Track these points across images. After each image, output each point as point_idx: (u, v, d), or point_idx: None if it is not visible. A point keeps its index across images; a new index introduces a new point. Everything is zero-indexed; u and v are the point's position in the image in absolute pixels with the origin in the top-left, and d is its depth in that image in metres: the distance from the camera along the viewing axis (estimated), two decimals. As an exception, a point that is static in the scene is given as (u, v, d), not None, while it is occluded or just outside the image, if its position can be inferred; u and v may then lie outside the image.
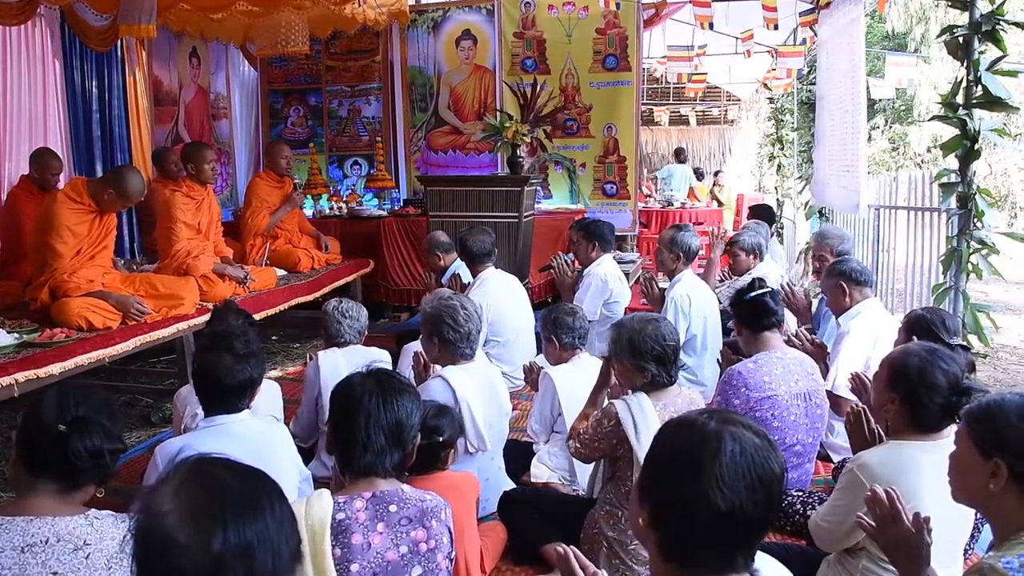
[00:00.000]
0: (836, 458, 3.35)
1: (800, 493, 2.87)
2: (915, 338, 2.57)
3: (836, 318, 3.51)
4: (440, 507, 1.82)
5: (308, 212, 6.66)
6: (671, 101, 15.67)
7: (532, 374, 3.35)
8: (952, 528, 1.97)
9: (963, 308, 3.90)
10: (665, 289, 4.28)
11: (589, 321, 3.67)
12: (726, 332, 4.12)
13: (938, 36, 4.25)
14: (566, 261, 4.83)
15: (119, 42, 5.52)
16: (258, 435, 2.31)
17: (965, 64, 3.82)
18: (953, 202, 3.98)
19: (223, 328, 3.01)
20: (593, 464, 2.72)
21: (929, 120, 4.62)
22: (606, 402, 2.60)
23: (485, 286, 4.41)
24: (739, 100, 15.41)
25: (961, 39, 3.81)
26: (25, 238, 4.21)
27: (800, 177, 8.63)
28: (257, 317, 4.21)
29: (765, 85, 10.63)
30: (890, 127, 15.28)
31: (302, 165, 7.07)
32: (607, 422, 2.35)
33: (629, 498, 2.23)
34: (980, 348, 3.95)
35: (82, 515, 1.57)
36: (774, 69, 8.72)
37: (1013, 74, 3.96)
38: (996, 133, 3.85)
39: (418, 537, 1.75)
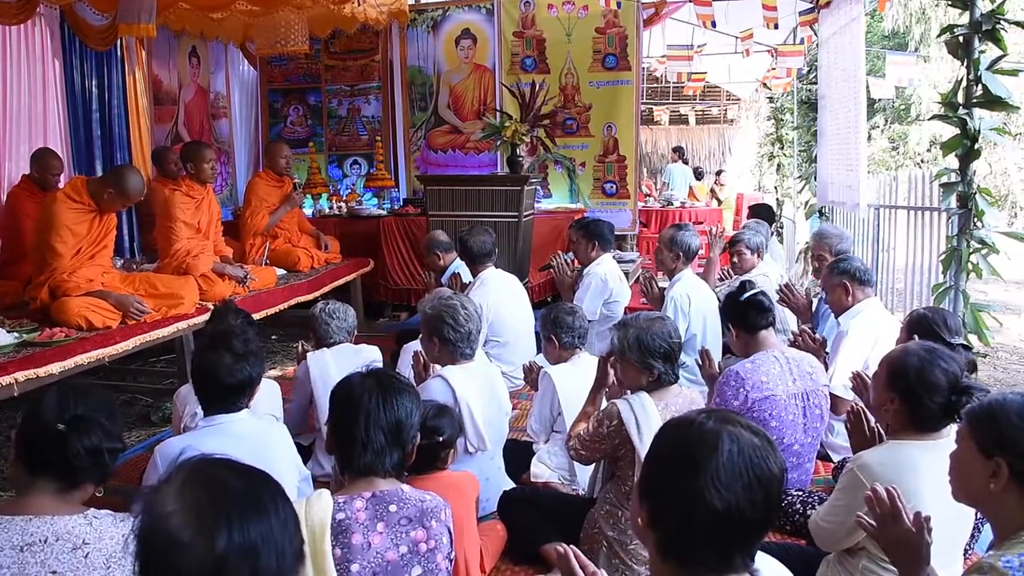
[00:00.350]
0: (836, 458, 3.35)
1: (800, 493, 2.87)
2: (917, 337, 2.57)
3: (836, 317, 3.51)
4: (440, 507, 1.82)
5: (308, 211, 6.66)
6: (671, 100, 15.67)
7: (532, 374, 3.35)
8: (952, 527, 1.97)
9: (963, 308, 3.90)
10: (665, 288, 4.28)
11: (589, 321, 3.67)
12: (725, 331, 4.11)
13: (938, 35, 4.26)
14: (566, 260, 4.83)
15: (119, 41, 5.51)
16: (257, 435, 2.31)
17: (965, 63, 3.81)
18: (953, 201, 3.97)
19: (222, 327, 3.01)
20: (593, 464, 2.72)
21: (929, 119, 4.63)
22: (604, 403, 2.60)
23: (485, 286, 4.40)
24: (739, 99, 15.41)
25: (961, 38, 3.81)
26: (25, 238, 4.21)
27: (800, 176, 8.62)
28: (257, 316, 4.22)
29: (765, 84, 10.62)
30: (890, 126, 15.28)
31: (302, 164, 7.07)
32: (609, 423, 2.35)
33: (629, 498, 2.24)
34: (980, 348, 3.95)
35: (81, 514, 1.57)
36: (774, 68, 8.71)
37: (1013, 73, 3.95)
38: (996, 132, 3.85)
39: (418, 537, 1.75)
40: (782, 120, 9.74)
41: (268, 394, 2.86)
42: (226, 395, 2.28)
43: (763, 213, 6.06)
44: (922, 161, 14.11)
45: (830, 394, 3.06)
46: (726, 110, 16.20)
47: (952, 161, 4.02)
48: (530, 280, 5.93)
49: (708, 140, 16.56)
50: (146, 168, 5.69)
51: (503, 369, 4.31)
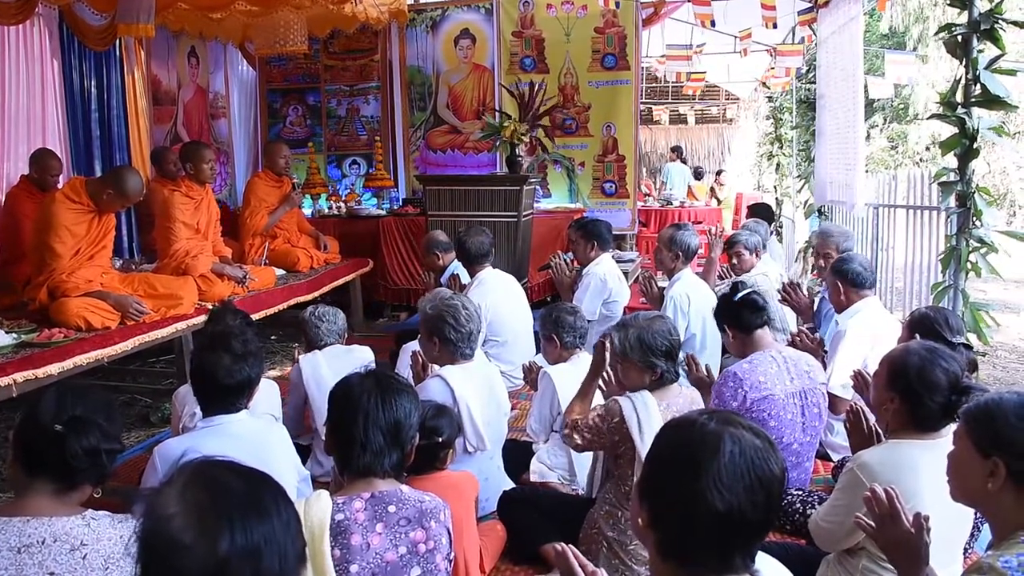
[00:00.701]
0: (836, 457, 3.35)
1: (800, 492, 2.87)
2: (918, 336, 2.57)
3: (837, 313, 3.52)
4: (439, 508, 1.82)
5: (307, 211, 6.66)
6: (670, 100, 15.67)
7: (531, 374, 3.35)
8: (951, 527, 1.97)
9: (962, 307, 3.90)
10: (664, 288, 4.28)
11: (588, 321, 3.67)
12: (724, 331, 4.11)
13: (936, 34, 4.25)
14: (565, 260, 4.83)
15: (117, 41, 5.52)
16: (256, 435, 2.31)
17: (964, 63, 3.81)
18: (952, 201, 3.97)
19: (221, 328, 3.01)
20: (591, 463, 2.72)
21: (928, 119, 4.63)
22: (600, 399, 2.60)
23: (483, 286, 4.41)
24: (738, 99, 15.41)
25: (960, 37, 3.81)
26: (24, 238, 4.20)
27: (799, 176, 8.62)
28: (256, 317, 4.22)
29: (764, 84, 10.62)
30: (889, 126, 15.29)
31: (301, 164, 7.07)
32: (610, 419, 2.35)
33: (629, 498, 2.24)
34: (979, 347, 3.95)
35: (79, 515, 1.56)
36: (773, 68, 8.71)
37: (1012, 72, 3.95)
38: (995, 132, 3.84)
39: (417, 538, 1.75)
40: (781, 119, 9.74)
41: (266, 394, 2.86)
42: (225, 396, 2.28)
43: (762, 212, 6.06)
44: (921, 160, 14.12)
45: (829, 394, 3.07)
46: (725, 109, 16.19)
47: (951, 160, 4.02)
48: (529, 280, 5.92)
49: (707, 140, 16.56)
50: (145, 168, 5.70)
51: (502, 368, 4.31)
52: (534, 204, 6.17)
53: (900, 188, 5.92)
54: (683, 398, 2.44)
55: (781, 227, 9.45)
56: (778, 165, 9.93)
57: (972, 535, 2.31)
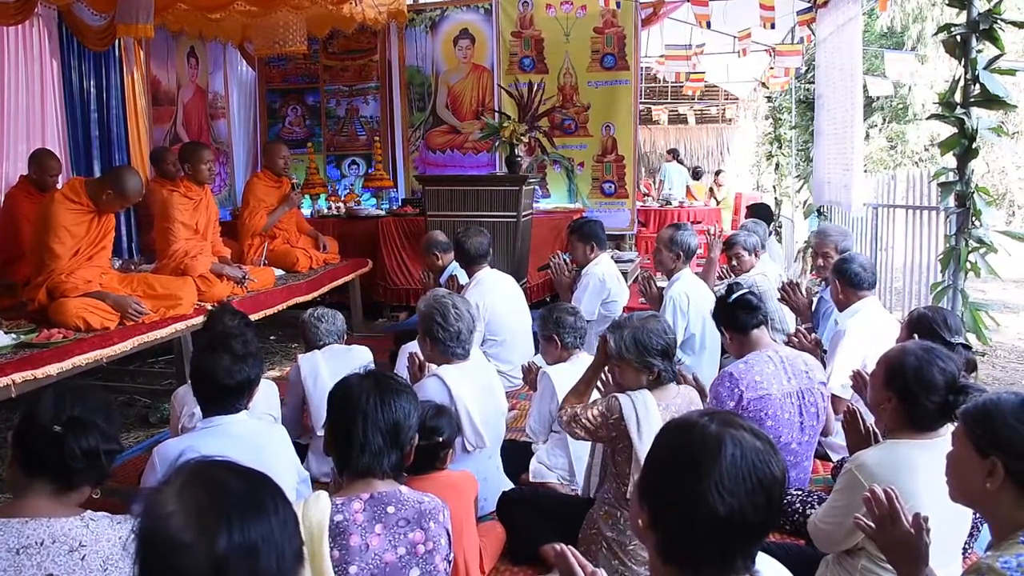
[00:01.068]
0: (835, 457, 3.35)
1: (799, 492, 2.87)
2: (917, 336, 2.57)
3: (839, 312, 3.53)
4: (438, 508, 1.82)
5: (306, 212, 6.66)
6: (669, 100, 15.67)
7: (531, 374, 3.35)
8: (950, 528, 1.97)
9: (961, 306, 3.90)
10: (663, 288, 4.28)
11: (587, 321, 3.67)
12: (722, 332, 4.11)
13: (935, 34, 4.25)
14: (564, 260, 4.83)
15: (117, 42, 5.51)
16: (256, 436, 2.31)
17: (963, 62, 3.82)
18: (951, 201, 3.97)
19: (220, 329, 3.01)
20: (588, 462, 2.72)
21: (927, 119, 4.62)
22: (595, 395, 2.60)
23: (481, 286, 4.41)
24: (737, 99, 15.42)
25: (959, 37, 3.81)
26: (23, 239, 4.20)
27: (798, 176, 8.62)
28: (255, 317, 4.21)
29: (763, 84, 10.63)
30: (888, 125, 15.29)
31: (300, 165, 7.07)
32: (610, 415, 2.35)
33: (628, 498, 2.24)
34: (978, 347, 3.95)
35: (78, 516, 1.56)
36: (772, 68, 8.72)
37: (1011, 72, 3.95)
38: (994, 132, 3.85)
39: (416, 539, 1.75)
40: (780, 119, 9.74)
41: (265, 394, 2.86)
42: (225, 396, 2.28)
43: (761, 212, 6.06)
44: (920, 160, 14.13)
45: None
46: (724, 110, 16.20)
47: (950, 160, 4.02)
48: (529, 280, 5.92)
49: (706, 140, 16.57)
50: (144, 169, 5.69)
51: (501, 368, 4.31)
52: (533, 204, 6.17)
53: (899, 188, 5.93)
54: (681, 398, 2.44)
55: (780, 227, 9.46)
56: (777, 165, 9.94)
57: (972, 535, 2.31)
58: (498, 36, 7.05)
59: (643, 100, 13.35)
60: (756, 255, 4.68)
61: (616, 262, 5.21)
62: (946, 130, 4.00)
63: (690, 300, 4.08)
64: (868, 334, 3.25)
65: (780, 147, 9.75)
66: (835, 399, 3.13)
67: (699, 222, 9.28)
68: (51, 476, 1.58)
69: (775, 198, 10.05)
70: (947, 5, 4.07)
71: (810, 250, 5.85)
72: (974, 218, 3.87)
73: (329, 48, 7.55)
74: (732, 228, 9.70)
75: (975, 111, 3.79)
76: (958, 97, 3.85)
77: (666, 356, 2.40)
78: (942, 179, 4.05)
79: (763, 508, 1.13)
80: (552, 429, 3.22)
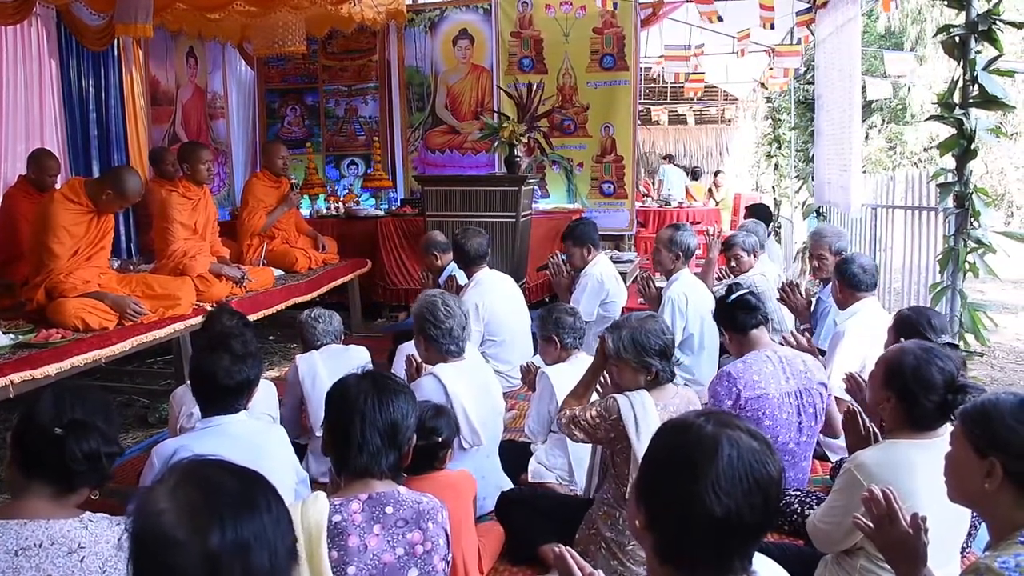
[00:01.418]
0: (834, 457, 3.35)
1: (798, 493, 2.87)
2: (903, 339, 2.58)
3: (840, 311, 3.53)
4: (436, 509, 1.82)
5: (305, 212, 6.66)
6: (668, 101, 15.67)
7: (529, 375, 3.35)
8: (949, 527, 1.97)
9: (960, 307, 3.91)
10: (662, 288, 4.28)
11: (586, 322, 3.68)
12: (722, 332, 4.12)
13: (934, 35, 4.26)
14: (562, 261, 4.83)
15: (115, 41, 5.52)
16: (255, 436, 2.31)
17: (962, 63, 3.82)
18: (950, 201, 3.97)
19: (220, 329, 3.01)
20: (588, 462, 2.72)
21: (926, 120, 4.61)
22: (594, 396, 2.60)
23: (480, 286, 4.41)
24: (736, 99, 15.42)
25: (958, 38, 3.81)
26: (22, 239, 4.20)
27: (797, 176, 8.63)
28: (254, 317, 4.21)
29: (762, 85, 10.63)
30: (887, 126, 15.30)
31: (299, 165, 7.06)
32: (608, 416, 2.35)
33: (627, 498, 2.23)
34: (977, 347, 3.96)
35: (76, 518, 1.56)
36: (771, 68, 8.72)
37: (1010, 73, 3.95)
38: (992, 133, 3.85)
39: (414, 539, 1.75)
40: (779, 120, 9.75)
41: (264, 395, 2.86)
42: (224, 396, 2.28)
43: (761, 213, 6.07)
44: (919, 161, 14.14)
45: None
46: (723, 110, 16.21)
47: (949, 161, 4.02)
48: (528, 280, 5.92)
49: (706, 140, 16.57)
50: (143, 169, 5.69)
51: (500, 368, 4.31)
52: (532, 205, 6.17)
53: (898, 189, 5.93)
54: (680, 398, 2.44)
55: (779, 228, 9.46)
56: (776, 166, 9.94)
57: (970, 534, 2.31)
58: (497, 36, 7.05)
59: (642, 100, 13.36)
60: (755, 256, 4.69)
61: (615, 263, 5.21)
62: (945, 131, 4.00)
63: (689, 300, 4.08)
64: (867, 335, 3.25)
65: (779, 148, 9.76)
66: (838, 400, 3.14)
67: (698, 222, 9.28)
68: (51, 478, 1.58)
69: (774, 199, 10.06)
70: (946, 6, 4.07)
71: (807, 252, 5.86)
72: (973, 219, 3.87)
73: (328, 48, 7.54)
74: (731, 228, 9.70)
75: (974, 112, 3.80)
76: (957, 98, 3.85)
77: (664, 356, 2.41)
78: (941, 180, 4.05)
79: (760, 509, 1.13)
80: (551, 429, 3.22)
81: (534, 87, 5.77)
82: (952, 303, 3.93)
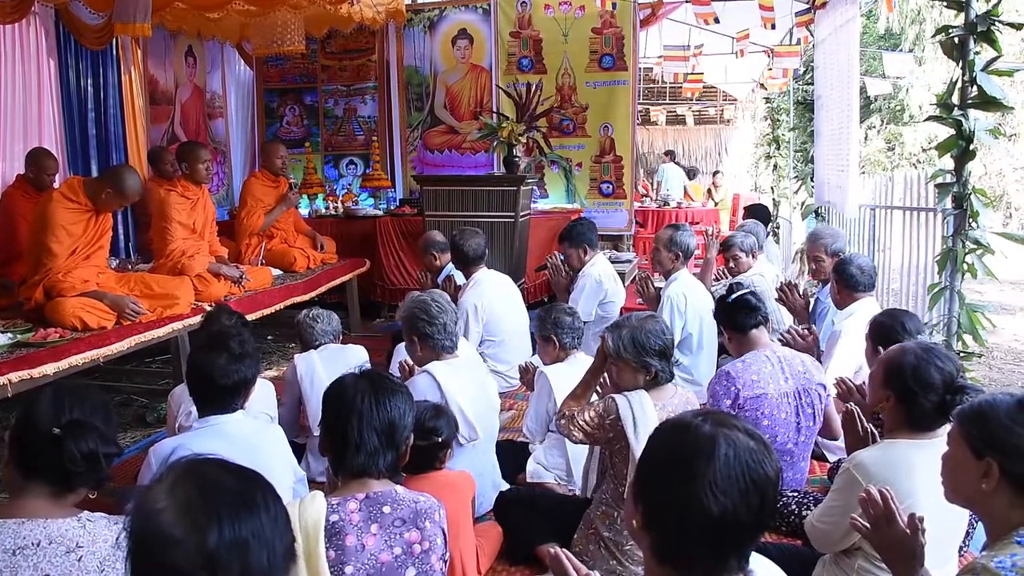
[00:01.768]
0: (832, 458, 3.35)
1: (795, 493, 2.87)
2: (880, 348, 2.59)
3: (839, 310, 3.54)
4: (434, 508, 1.82)
5: (304, 211, 6.65)
6: (667, 101, 15.68)
7: (528, 374, 3.36)
8: (947, 528, 1.98)
9: (958, 308, 3.91)
10: (661, 288, 4.28)
11: (584, 322, 3.68)
12: (721, 332, 4.12)
13: (933, 36, 4.26)
14: (561, 260, 4.83)
15: (114, 41, 5.51)
16: (252, 435, 2.31)
17: (960, 64, 3.82)
18: (948, 202, 3.97)
19: (218, 328, 3.01)
20: (586, 461, 2.72)
21: (925, 121, 4.61)
22: (594, 397, 2.60)
23: (479, 287, 4.41)
24: (735, 100, 15.43)
25: (956, 39, 3.81)
26: (20, 238, 4.19)
27: (796, 177, 8.63)
28: (252, 317, 4.21)
29: (762, 85, 10.63)
30: (886, 127, 15.31)
31: (298, 164, 7.06)
32: (607, 416, 2.35)
33: (624, 498, 2.24)
34: (975, 348, 3.96)
35: (74, 517, 1.56)
36: (770, 69, 8.73)
37: (1009, 74, 3.95)
38: (991, 134, 3.85)
39: (412, 538, 1.75)
40: (778, 121, 9.75)
41: (262, 394, 2.87)
42: (221, 396, 2.28)
43: (759, 213, 6.07)
44: (918, 162, 14.14)
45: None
46: (723, 110, 16.22)
47: (947, 162, 4.02)
48: (526, 280, 5.92)
49: (705, 140, 16.58)
50: (142, 168, 5.68)
51: (498, 368, 4.32)
52: (531, 204, 6.17)
53: (897, 189, 5.93)
54: (678, 398, 2.45)
55: (778, 228, 9.47)
56: (775, 166, 9.94)
57: (967, 534, 2.31)
58: (496, 36, 7.05)
59: (641, 101, 13.36)
60: (753, 256, 4.69)
61: (613, 263, 5.21)
62: (943, 132, 4.00)
63: (688, 300, 4.08)
64: (864, 335, 3.25)
65: (778, 148, 9.76)
66: (837, 400, 3.14)
67: (697, 223, 9.28)
68: (49, 478, 1.57)
69: (773, 199, 10.06)
70: (945, 7, 4.07)
71: (804, 253, 5.86)
72: (971, 220, 3.87)
73: (327, 48, 7.54)
74: (730, 229, 9.70)
75: (972, 113, 3.79)
76: (956, 99, 3.85)
77: (664, 356, 2.41)
78: (939, 181, 4.05)
79: (756, 508, 1.13)
80: (549, 429, 3.22)
81: (533, 87, 5.77)
82: (950, 304, 3.93)
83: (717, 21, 6.76)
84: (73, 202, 3.71)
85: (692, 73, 9.63)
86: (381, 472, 1.80)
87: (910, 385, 1.97)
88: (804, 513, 2.63)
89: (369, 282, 6.37)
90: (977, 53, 3.78)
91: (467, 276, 4.56)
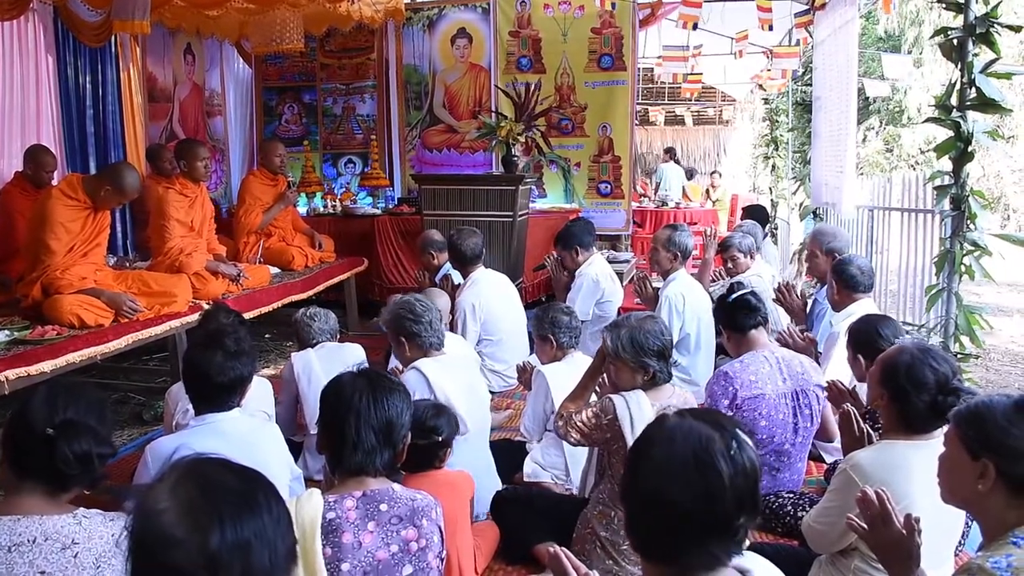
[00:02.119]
0: (829, 459, 3.35)
1: (791, 495, 2.88)
2: (860, 355, 2.59)
3: (835, 311, 3.54)
4: (431, 506, 1.82)
5: (302, 210, 6.65)
6: (666, 101, 15.68)
7: (525, 374, 3.36)
8: (943, 529, 1.98)
9: (956, 309, 3.92)
10: (659, 288, 4.29)
11: (582, 321, 3.68)
12: (719, 332, 4.13)
13: (931, 38, 4.27)
14: (559, 260, 4.83)
15: (113, 38, 5.50)
16: (249, 433, 2.30)
17: (959, 66, 3.82)
18: (946, 204, 3.98)
19: (214, 326, 3.01)
20: (585, 463, 2.72)
21: (923, 122, 4.61)
22: (593, 397, 2.60)
23: (476, 286, 4.41)
24: (734, 100, 15.43)
25: (955, 41, 3.82)
26: (18, 235, 4.19)
27: (794, 178, 8.64)
28: (250, 315, 4.21)
29: (760, 86, 10.64)
30: (884, 128, 15.33)
31: (296, 163, 7.06)
32: (604, 416, 2.35)
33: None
34: (972, 349, 3.97)
35: (70, 514, 1.56)
36: (769, 70, 8.74)
37: (1007, 76, 3.96)
38: (989, 135, 3.86)
39: (409, 536, 1.75)
40: (777, 121, 9.76)
41: (260, 392, 2.86)
42: (217, 394, 2.27)
43: (757, 214, 6.07)
44: (916, 163, 14.16)
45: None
46: (721, 111, 16.22)
47: (945, 164, 4.03)
48: (524, 280, 5.92)
49: (703, 141, 16.58)
50: (140, 166, 5.68)
51: (496, 368, 4.32)
52: (529, 204, 6.17)
53: (895, 191, 5.95)
54: (676, 398, 2.45)
55: (776, 229, 9.47)
56: (773, 167, 9.95)
57: (963, 535, 2.32)
58: (495, 35, 7.05)
59: (640, 101, 13.37)
60: (751, 257, 4.69)
61: (611, 262, 5.22)
62: (942, 133, 4.01)
63: (686, 300, 4.09)
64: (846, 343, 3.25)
65: (777, 149, 9.77)
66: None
67: (695, 223, 9.28)
68: (42, 478, 1.57)
69: (771, 200, 10.07)
70: (944, 9, 4.08)
71: (803, 252, 5.87)
72: (969, 221, 3.88)
73: (326, 46, 7.53)
74: (728, 229, 9.71)
75: (971, 115, 3.80)
76: (954, 101, 3.86)
77: (662, 357, 2.41)
78: (937, 182, 4.05)
79: (702, 495, 1.11)
80: (546, 428, 3.22)
81: (532, 86, 5.77)
82: (948, 305, 3.94)
83: (695, 27, 6.75)
84: (72, 199, 3.71)
85: (691, 73, 9.63)
86: (378, 470, 1.80)
87: (903, 383, 1.97)
88: (800, 515, 2.63)
89: (367, 281, 6.36)
90: (976, 55, 3.79)
91: (465, 275, 4.56)
